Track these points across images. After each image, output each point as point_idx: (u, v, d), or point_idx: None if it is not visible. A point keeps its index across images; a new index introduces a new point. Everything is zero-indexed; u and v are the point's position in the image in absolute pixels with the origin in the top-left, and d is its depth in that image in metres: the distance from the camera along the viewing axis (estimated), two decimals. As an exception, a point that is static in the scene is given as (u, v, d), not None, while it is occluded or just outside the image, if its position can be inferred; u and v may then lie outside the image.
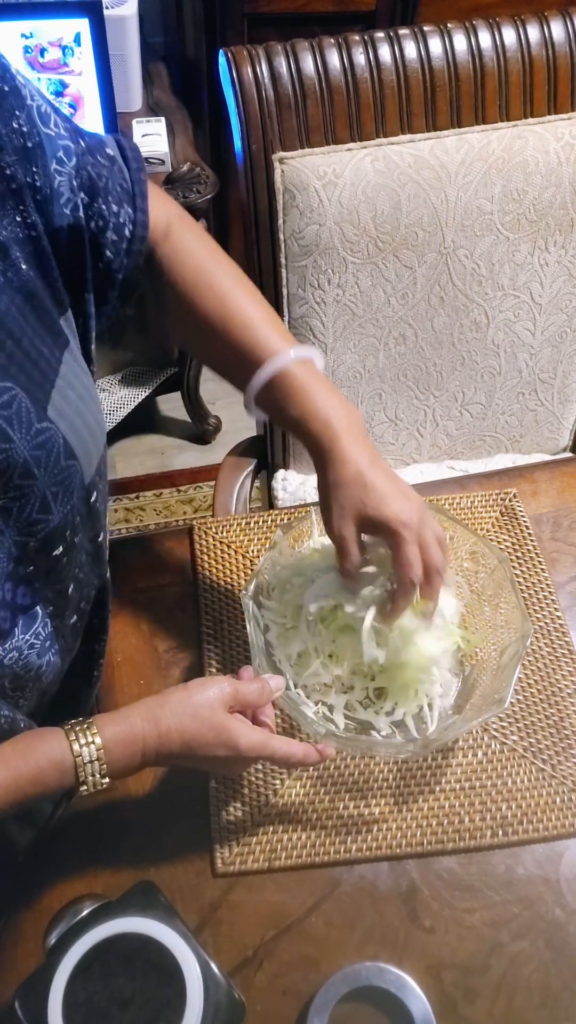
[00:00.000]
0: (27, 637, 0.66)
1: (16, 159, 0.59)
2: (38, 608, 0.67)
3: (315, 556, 0.82)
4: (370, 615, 0.74)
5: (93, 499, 0.70)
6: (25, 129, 0.60)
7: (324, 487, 0.73)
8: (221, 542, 0.96)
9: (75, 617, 0.75)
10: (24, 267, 0.60)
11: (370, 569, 0.76)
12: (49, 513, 0.63)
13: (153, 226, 0.75)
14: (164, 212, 0.77)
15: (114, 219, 0.69)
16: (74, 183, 0.65)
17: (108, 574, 0.81)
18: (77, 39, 1.48)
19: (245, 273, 0.82)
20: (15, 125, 0.59)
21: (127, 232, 0.71)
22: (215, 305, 0.76)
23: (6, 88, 0.59)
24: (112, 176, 0.70)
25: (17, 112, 0.59)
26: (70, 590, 0.71)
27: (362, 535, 0.73)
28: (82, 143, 0.67)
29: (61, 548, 0.66)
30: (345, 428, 0.72)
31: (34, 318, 0.61)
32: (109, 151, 0.71)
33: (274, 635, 0.80)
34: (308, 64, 1.04)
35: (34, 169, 0.61)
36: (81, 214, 0.66)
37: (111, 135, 0.75)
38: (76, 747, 0.62)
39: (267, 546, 0.84)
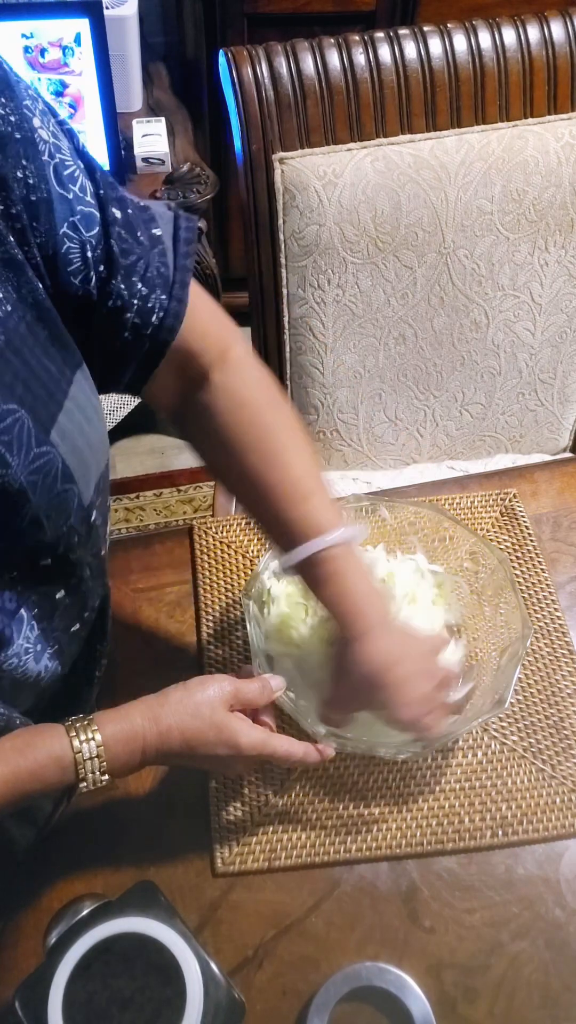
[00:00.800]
0: (20, 641, 0.66)
1: (21, 207, 0.56)
2: (23, 611, 0.66)
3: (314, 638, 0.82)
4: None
5: (93, 518, 0.69)
6: (31, 182, 0.56)
7: (345, 671, 0.72)
8: (221, 542, 0.96)
9: (77, 625, 0.74)
10: (39, 285, 0.58)
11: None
12: (41, 530, 0.62)
13: (205, 347, 0.70)
14: (222, 335, 0.73)
15: (140, 302, 0.64)
16: (89, 255, 0.60)
17: (107, 581, 0.80)
18: (77, 39, 1.48)
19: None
20: (19, 175, 0.55)
21: (155, 319, 0.66)
22: (263, 464, 0.71)
23: (17, 136, 0.55)
24: (146, 256, 0.64)
25: (25, 163, 0.55)
26: (59, 595, 0.69)
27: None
28: (117, 214, 0.62)
29: (50, 560, 0.65)
30: (372, 624, 0.71)
31: (45, 335, 0.59)
32: (155, 231, 0.66)
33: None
34: (308, 64, 1.04)
35: (35, 224, 0.57)
36: (93, 288, 0.62)
37: (173, 210, 0.69)
38: (76, 743, 0.62)
39: (267, 546, 0.84)
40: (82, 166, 0.60)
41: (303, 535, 0.71)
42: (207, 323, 0.71)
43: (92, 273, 0.61)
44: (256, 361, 0.75)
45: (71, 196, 0.59)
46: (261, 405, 0.73)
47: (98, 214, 0.61)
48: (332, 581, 0.71)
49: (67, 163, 0.58)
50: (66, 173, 0.58)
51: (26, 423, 0.57)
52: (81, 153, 0.60)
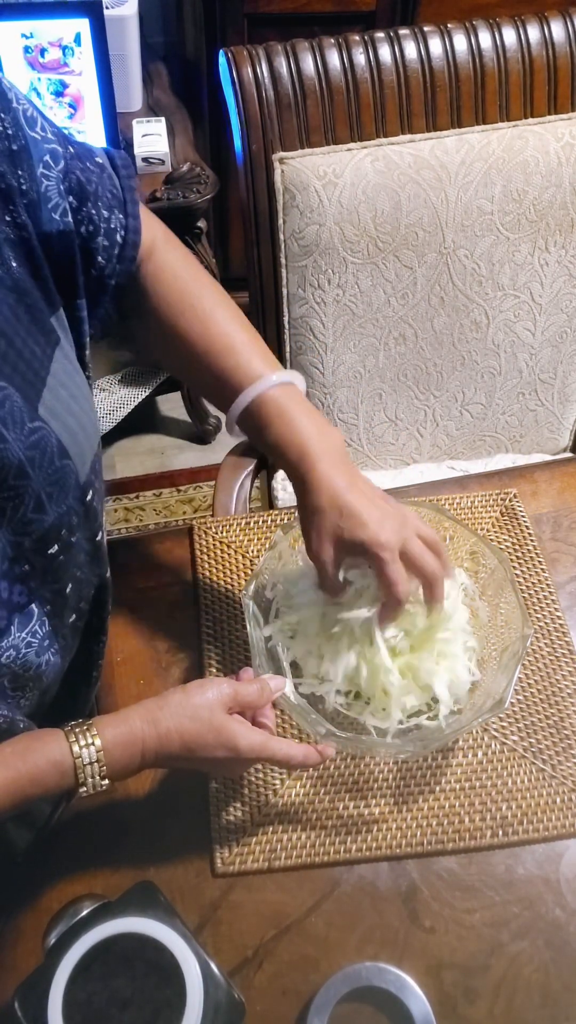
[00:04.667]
0: (24, 635, 0.66)
1: (2, 161, 0.60)
2: (34, 606, 0.67)
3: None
4: (380, 639, 0.75)
5: (89, 498, 0.70)
6: (10, 132, 0.60)
7: (302, 513, 0.74)
8: (221, 542, 0.96)
9: (74, 616, 0.75)
10: (15, 265, 0.61)
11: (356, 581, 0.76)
12: (44, 513, 0.63)
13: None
14: (149, 230, 0.77)
15: (105, 224, 0.69)
16: (62, 187, 0.64)
17: (108, 573, 0.80)
18: (77, 39, 1.48)
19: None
20: (0, 128, 0.59)
21: (119, 238, 0.71)
22: (198, 328, 0.76)
23: None
24: (102, 182, 0.70)
25: (2, 115, 0.60)
26: (68, 589, 0.70)
27: (346, 558, 0.74)
28: (70, 148, 0.67)
29: (57, 547, 0.66)
30: (321, 453, 0.72)
31: (27, 317, 0.61)
32: (98, 159, 0.71)
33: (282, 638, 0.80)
34: (308, 64, 1.04)
35: (20, 172, 0.61)
36: (70, 219, 0.65)
37: (99, 147, 0.75)
38: (76, 748, 0.62)
39: (267, 546, 0.84)
40: (34, 106, 0.64)
41: (241, 384, 0.74)
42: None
43: (66, 204, 0.65)
44: (177, 243, 0.80)
45: (39, 137, 0.63)
46: (188, 277, 0.78)
47: (60, 149, 0.65)
48: (275, 422, 0.73)
49: (27, 108, 0.63)
50: (29, 115, 0.62)
51: (16, 399, 0.59)
52: (25, 95, 0.65)
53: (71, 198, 0.66)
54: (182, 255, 0.80)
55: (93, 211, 0.68)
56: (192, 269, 0.79)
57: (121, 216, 0.71)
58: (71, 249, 0.66)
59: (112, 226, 0.70)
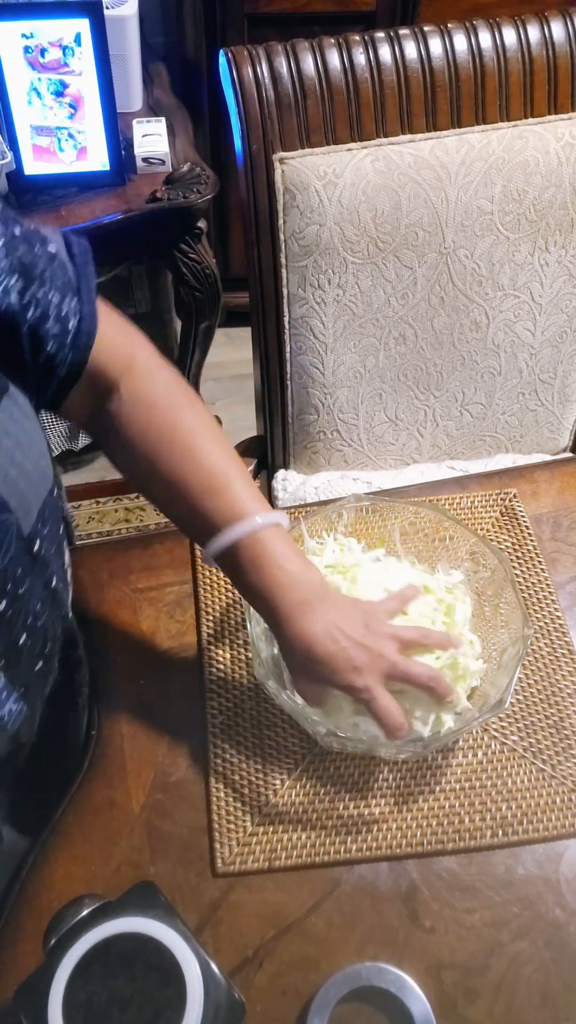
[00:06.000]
0: None
1: None
2: None
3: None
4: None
5: (37, 548, 0.66)
6: None
7: (284, 660, 0.75)
8: (221, 542, 0.96)
9: (40, 663, 0.71)
10: None
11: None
12: None
13: (111, 360, 0.71)
14: (130, 346, 0.74)
15: (55, 310, 0.65)
16: (2, 264, 0.61)
17: (70, 615, 0.78)
18: (77, 39, 1.48)
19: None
20: None
21: (71, 325, 0.67)
22: (176, 466, 0.72)
23: None
24: (51, 267, 0.66)
25: None
26: (21, 640, 0.67)
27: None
28: (15, 230, 0.64)
29: (4, 602, 0.63)
30: (291, 608, 0.71)
31: None
32: (51, 248, 0.67)
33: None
34: (308, 64, 1.04)
35: None
36: (14, 299, 0.62)
37: (60, 229, 0.71)
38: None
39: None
40: None
41: (219, 525, 0.71)
42: (112, 335, 0.72)
43: (9, 284, 0.62)
44: (162, 363, 0.76)
45: None
46: (168, 406, 0.74)
47: (1, 227, 0.62)
48: (251, 568, 0.71)
49: None
50: None
51: None
52: None
53: (16, 277, 0.62)
54: (163, 378, 0.75)
55: (39, 294, 0.64)
56: (175, 395, 0.75)
57: (75, 303, 0.67)
58: (16, 332, 0.63)
59: (64, 312, 0.66)
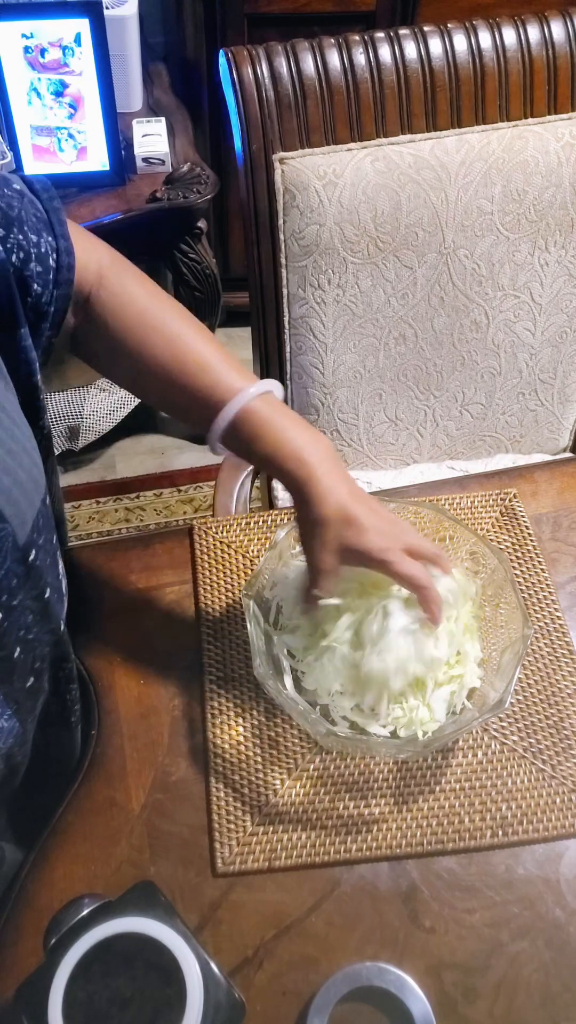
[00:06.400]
0: None
1: None
2: None
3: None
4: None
5: (32, 558, 0.65)
6: None
7: (303, 523, 0.73)
8: (221, 542, 0.96)
9: (31, 679, 0.70)
10: None
11: (333, 601, 0.77)
12: None
13: (82, 269, 0.72)
14: (94, 255, 0.74)
15: (35, 249, 0.66)
16: None
17: (63, 628, 0.77)
18: (77, 39, 1.48)
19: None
20: None
21: (51, 261, 0.68)
22: (166, 349, 0.73)
23: None
24: (23, 207, 0.67)
25: None
26: (16, 654, 0.66)
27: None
28: None
29: (0, 615, 0.62)
30: (319, 461, 0.71)
31: None
32: (16, 186, 0.68)
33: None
34: (308, 64, 1.04)
35: None
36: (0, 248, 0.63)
37: (14, 174, 0.72)
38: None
39: (267, 546, 0.84)
40: None
41: (221, 399, 0.72)
42: (78, 248, 0.72)
43: None
44: (125, 261, 0.77)
45: None
46: (145, 299, 0.75)
47: None
48: (263, 434, 0.71)
49: None
50: None
51: None
52: None
53: None
54: (134, 276, 0.77)
55: (20, 237, 0.65)
56: (148, 289, 0.76)
57: (51, 239, 0.69)
58: (6, 280, 0.64)
59: (43, 250, 0.67)
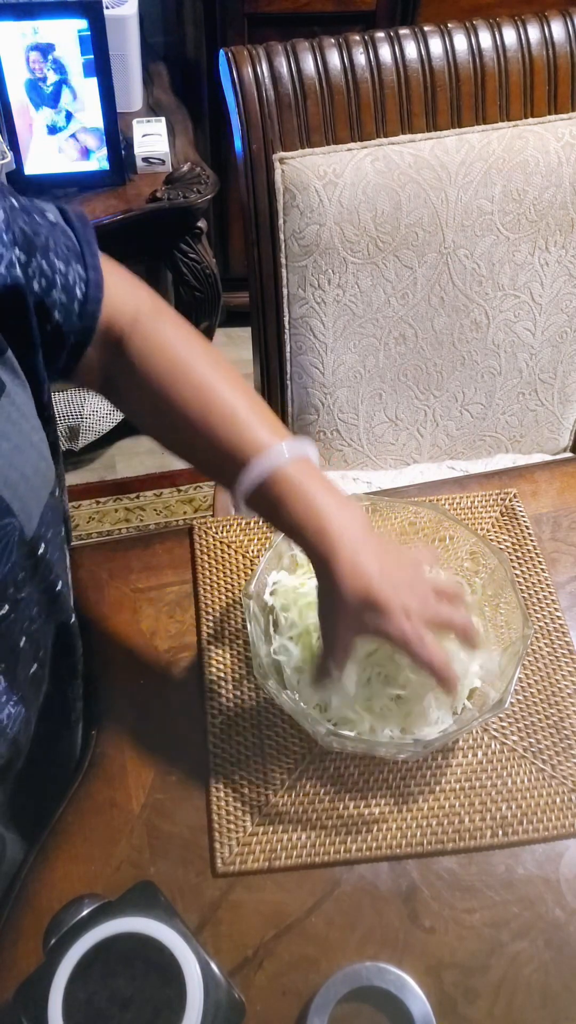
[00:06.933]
0: None
1: None
2: None
3: None
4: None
5: (41, 551, 0.65)
6: None
7: (325, 599, 0.68)
8: (221, 542, 0.96)
9: (35, 667, 0.71)
10: None
11: (347, 688, 0.76)
12: None
13: (117, 310, 0.70)
14: (132, 298, 0.72)
15: (61, 278, 0.65)
16: (5, 238, 0.60)
17: (73, 620, 0.76)
18: (77, 39, 1.48)
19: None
20: None
21: (79, 292, 0.66)
22: (194, 398, 0.68)
23: None
24: (53, 235, 0.65)
25: None
26: (22, 644, 0.66)
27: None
28: (13, 201, 0.63)
29: (7, 607, 0.62)
30: (342, 533, 0.65)
31: None
32: (49, 215, 0.67)
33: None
34: (308, 64, 1.04)
35: None
36: (19, 272, 0.61)
37: (53, 203, 0.70)
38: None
39: (267, 546, 0.84)
40: None
41: (246, 458, 0.66)
42: (116, 289, 0.71)
43: (13, 257, 0.61)
44: (166, 309, 0.74)
45: None
46: (178, 345, 0.71)
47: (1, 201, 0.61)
48: (289, 500, 0.66)
49: None
50: None
51: None
52: None
53: (17, 251, 0.61)
54: (172, 322, 0.73)
55: (44, 264, 0.63)
56: (184, 336, 0.72)
57: (80, 269, 0.66)
58: (23, 305, 0.62)
59: (70, 280, 0.65)
